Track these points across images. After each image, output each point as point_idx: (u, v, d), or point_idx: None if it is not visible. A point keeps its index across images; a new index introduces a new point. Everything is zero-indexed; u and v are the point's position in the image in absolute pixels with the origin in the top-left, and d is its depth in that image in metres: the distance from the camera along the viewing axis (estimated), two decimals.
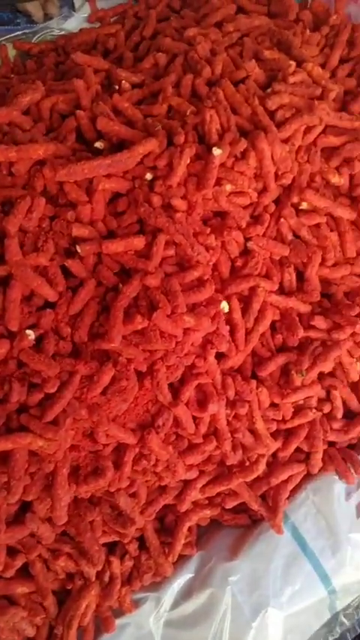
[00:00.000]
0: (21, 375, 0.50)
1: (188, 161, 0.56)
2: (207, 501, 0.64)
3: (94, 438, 0.53)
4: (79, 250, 0.53)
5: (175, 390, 0.56)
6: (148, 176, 0.57)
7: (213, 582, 0.62)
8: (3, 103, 0.65)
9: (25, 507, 0.54)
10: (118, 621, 0.60)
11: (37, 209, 0.52)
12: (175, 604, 0.62)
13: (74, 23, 0.95)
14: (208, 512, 0.64)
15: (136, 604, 0.61)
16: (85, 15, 0.96)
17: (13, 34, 0.93)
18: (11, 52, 0.90)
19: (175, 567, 0.63)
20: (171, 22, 0.82)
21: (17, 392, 0.49)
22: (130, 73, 0.68)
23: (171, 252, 0.55)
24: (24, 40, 0.92)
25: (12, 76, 0.82)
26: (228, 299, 0.60)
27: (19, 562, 0.55)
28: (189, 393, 0.56)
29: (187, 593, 0.62)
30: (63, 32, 0.95)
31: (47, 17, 0.94)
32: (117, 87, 0.68)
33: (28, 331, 0.49)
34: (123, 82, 0.66)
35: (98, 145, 0.59)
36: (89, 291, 0.52)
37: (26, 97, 0.61)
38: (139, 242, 0.54)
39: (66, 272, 0.54)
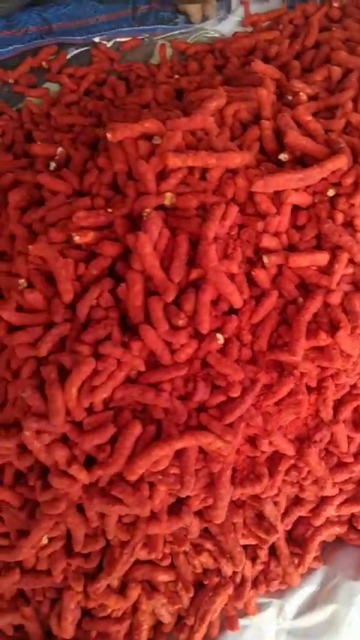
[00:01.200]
0: (205, 376, 0.52)
1: None
2: (337, 518, 0.65)
3: (254, 443, 0.55)
4: (265, 261, 0.54)
5: (334, 408, 0.57)
6: (331, 192, 0.57)
7: (338, 599, 0.62)
8: (186, 105, 0.67)
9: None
10: (240, 621, 0.62)
11: (230, 217, 0.54)
12: (298, 614, 0.63)
13: (228, 26, 0.96)
14: (337, 529, 0.64)
15: (259, 607, 0.63)
16: (239, 18, 0.97)
17: (169, 33, 0.95)
18: (168, 51, 0.92)
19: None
20: (334, 33, 0.82)
21: (202, 392, 0.51)
22: (305, 85, 0.69)
23: (350, 270, 0.56)
24: (180, 40, 0.94)
25: (176, 76, 0.84)
26: None
27: (167, 552, 0.57)
28: (347, 412, 0.57)
29: (310, 605, 0.63)
30: (217, 34, 0.96)
31: (204, 18, 0.95)
32: (290, 97, 0.68)
33: (219, 335, 0.51)
34: (301, 93, 0.66)
35: (283, 157, 0.60)
36: (272, 302, 0.53)
37: (213, 103, 0.62)
38: (322, 258, 0.54)
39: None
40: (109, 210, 0.58)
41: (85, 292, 0.55)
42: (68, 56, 0.95)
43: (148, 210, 0.55)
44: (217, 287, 0.52)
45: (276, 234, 0.56)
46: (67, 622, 0.57)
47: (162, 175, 0.57)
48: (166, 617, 0.60)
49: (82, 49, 0.96)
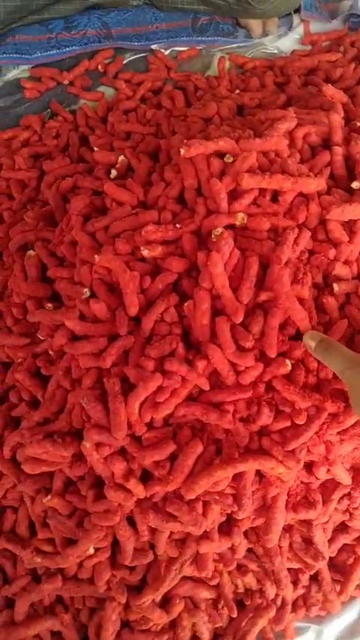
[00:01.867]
0: (269, 400, 0.52)
1: None
2: None
3: (310, 469, 0.55)
4: (335, 288, 0.54)
5: None
6: None
7: None
8: (255, 124, 0.67)
9: None
10: None
11: (302, 241, 0.54)
12: None
13: (287, 43, 0.96)
14: None
15: (297, 632, 0.63)
16: (298, 36, 0.97)
17: (228, 46, 0.95)
18: (226, 64, 0.92)
19: None
20: None
21: (266, 416, 0.51)
22: None
23: None
24: (239, 54, 0.94)
25: (237, 91, 0.84)
26: None
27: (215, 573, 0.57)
28: None
29: (350, 634, 0.63)
30: (275, 50, 0.96)
31: (264, 34, 0.95)
32: (358, 124, 0.68)
33: (288, 361, 0.51)
34: None
35: (355, 185, 0.60)
36: (341, 330, 0.53)
37: (284, 125, 0.62)
38: None
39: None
40: (177, 225, 0.58)
41: (149, 306, 0.55)
42: (125, 61, 0.95)
43: (219, 229, 0.55)
44: (288, 312, 0.52)
45: (346, 263, 0.56)
46: (108, 633, 0.57)
47: (233, 195, 0.58)
48: (205, 635, 0.60)
49: (139, 55, 0.96)
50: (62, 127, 0.86)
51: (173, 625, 0.60)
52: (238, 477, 0.52)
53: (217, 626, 0.60)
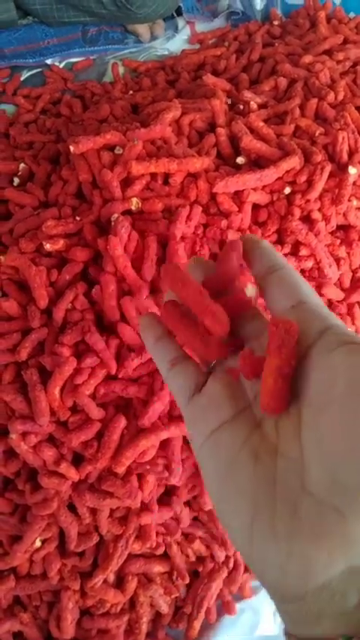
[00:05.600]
0: None
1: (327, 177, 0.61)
2: None
3: None
4: None
5: None
6: (287, 190, 0.62)
7: None
8: (144, 117, 0.71)
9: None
10: (237, 605, 0.64)
11: (195, 217, 0.57)
12: None
13: (177, 44, 1.02)
14: None
15: (254, 590, 0.65)
16: (186, 37, 1.03)
17: (121, 53, 0.99)
18: (120, 70, 0.96)
19: None
20: (277, 48, 0.88)
21: None
22: (254, 95, 0.73)
23: (309, 265, 0.60)
24: (132, 59, 0.98)
25: (130, 92, 0.88)
26: (349, 307, 0.65)
27: (160, 541, 0.59)
28: None
29: None
30: (165, 52, 1.01)
31: (153, 37, 1.00)
32: (241, 107, 0.73)
33: None
34: (251, 102, 0.71)
35: (240, 160, 0.64)
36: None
37: (169, 114, 0.66)
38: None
39: None
40: (77, 218, 0.60)
41: (59, 297, 0.57)
42: (22, 78, 0.97)
43: (116, 215, 0.57)
44: None
45: (239, 231, 0.60)
46: (67, 622, 0.58)
47: (126, 183, 0.61)
48: (164, 608, 0.61)
49: (36, 70, 0.99)
50: None
51: (133, 605, 0.61)
52: (166, 445, 0.55)
53: (174, 596, 0.62)
